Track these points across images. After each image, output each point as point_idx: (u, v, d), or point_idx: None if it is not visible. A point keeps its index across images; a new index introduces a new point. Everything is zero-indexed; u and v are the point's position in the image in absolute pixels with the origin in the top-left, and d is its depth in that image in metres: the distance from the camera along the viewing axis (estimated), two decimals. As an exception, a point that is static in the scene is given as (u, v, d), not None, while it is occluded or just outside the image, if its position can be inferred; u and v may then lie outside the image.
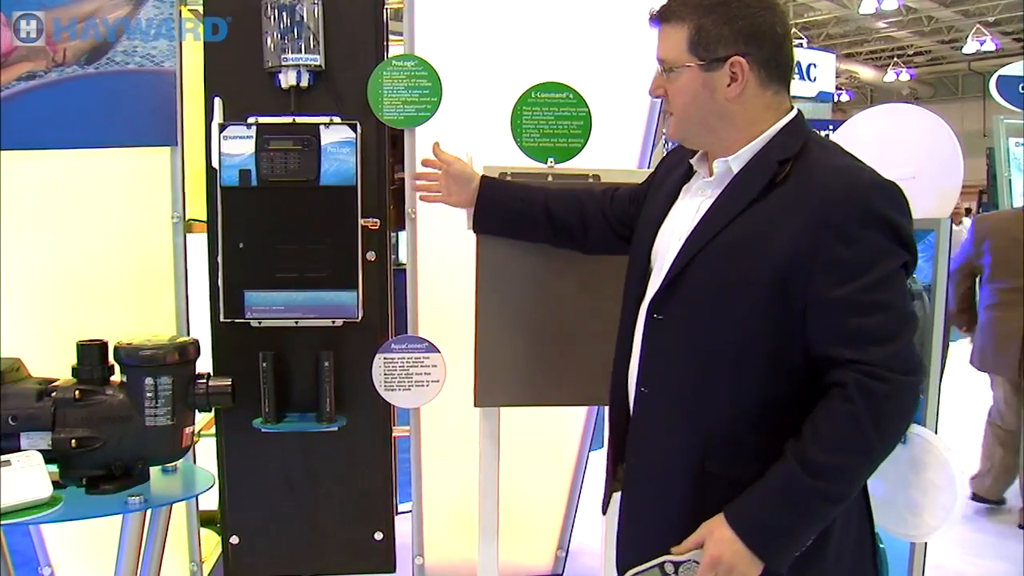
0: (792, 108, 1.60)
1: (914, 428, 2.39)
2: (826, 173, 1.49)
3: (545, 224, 2.03)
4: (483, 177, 2.09)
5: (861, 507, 1.61)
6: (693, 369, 1.54)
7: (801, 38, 19.33)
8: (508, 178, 2.26)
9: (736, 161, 1.56)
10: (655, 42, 1.61)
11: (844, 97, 23.96)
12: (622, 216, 1.94)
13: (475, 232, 2.14)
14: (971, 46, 19.95)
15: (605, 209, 1.99)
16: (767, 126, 1.56)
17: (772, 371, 1.49)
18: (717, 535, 1.44)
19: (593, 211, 2.00)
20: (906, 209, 1.49)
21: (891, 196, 1.48)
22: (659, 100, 2.72)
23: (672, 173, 1.75)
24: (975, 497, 4.42)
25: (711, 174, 1.62)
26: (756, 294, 1.47)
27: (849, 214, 1.44)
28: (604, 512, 1.88)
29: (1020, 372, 4.09)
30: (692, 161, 1.68)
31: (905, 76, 24.33)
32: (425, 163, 2.17)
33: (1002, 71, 5.36)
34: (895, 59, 24.32)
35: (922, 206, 2.48)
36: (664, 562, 1.44)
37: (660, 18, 1.58)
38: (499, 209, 2.08)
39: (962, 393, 4.13)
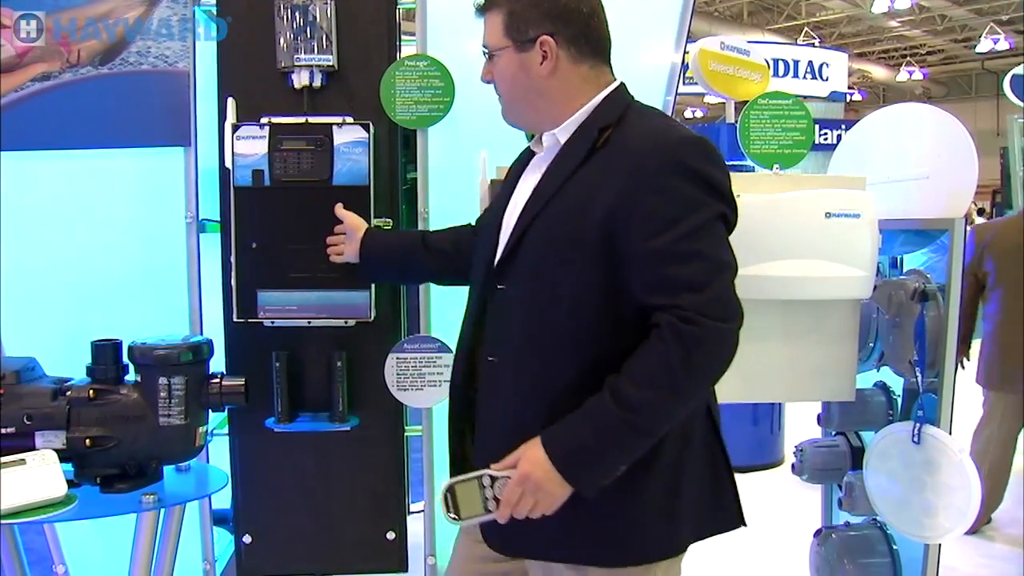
0: (613, 80, 1.71)
1: (928, 429, 2.39)
2: (640, 135, 1.60)
3: (422, 255, 2.12)
4: (367, 229, 2.22)
5: (709, 436, 1.68)
6: (534, 335, 1.61)
7: (813, 37, 19.27)
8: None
9: (562, 133, 1.67)
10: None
11: (856, 96, 23.87)
12: None
13: (361, 280, 2.30)
14: (984, 45, 19.83)
15: (476, 228, 2.04)
16: (587, 99, 1.67)
17: (608, 328, 1.57)
18: (530, 454, 1.52)
19: (466, 234, 2.06)
20: (718, 161, 1.59)
21: (700, 149, 1.57)
22: (672, 100, 2.75)
23: (513, 170, 1.85)
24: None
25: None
26: (584, 254, 1.56)
27: (660, 168, 1.53)
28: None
29: None
30: (530, 144, 1.79)
31: (918, 75, 24.23)
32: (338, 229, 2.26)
33: (1016, 70, 5.30)
34: (908, 58, 24.23)
35: (936, 206, 2.48)
36: (483, 475, 1.53)
37: (483, 8, 1.71)
38: (378, 250, 2.19)
39: (968, 396, 3.93)
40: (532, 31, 1.65)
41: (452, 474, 1.77)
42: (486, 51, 1.72)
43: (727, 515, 1.71)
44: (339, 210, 2.24)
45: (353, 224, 2.21)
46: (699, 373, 1.51)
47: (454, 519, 1.54)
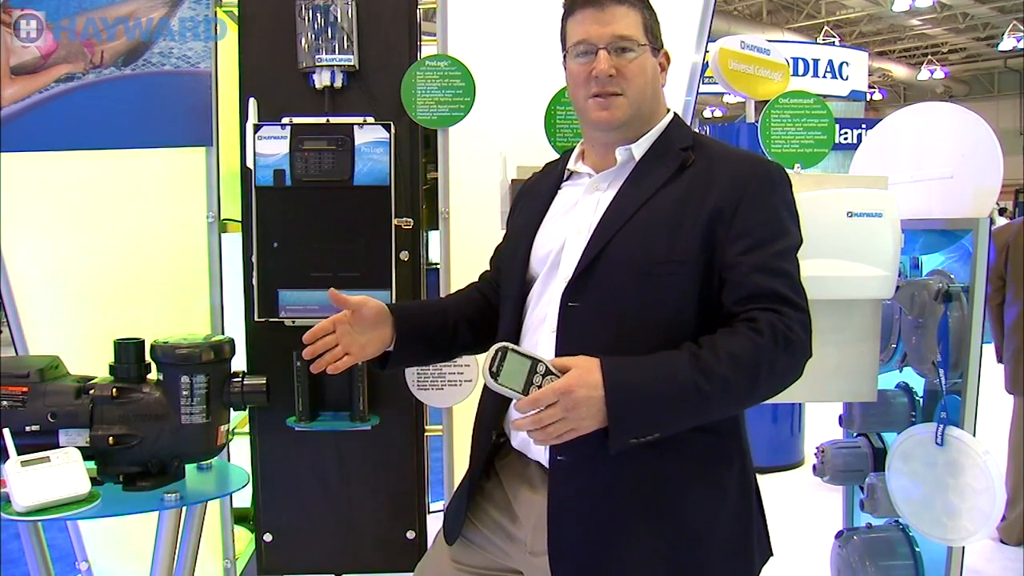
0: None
1: (952, 431, 2.37)
2: (727, 158, 1.63)
3: (466, 329, 1.83)
4: (390, 306, 1.74)
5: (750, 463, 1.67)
6: (620, 349, 1.52)
7: (833, 36, 19.16)
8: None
9: (638, 148, 1.66)
10: (601, 21, 1.62)
11: (877, 96, 23.71)
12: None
13: (390, 370, 1.80)
14: (1007, 43, 19.60)
15: (496, 278, 1.89)
16: (660, 119, 1.69)
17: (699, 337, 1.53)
18: (584, 372, 1.42)
19: (489, 289, 1.89)
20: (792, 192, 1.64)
21: (787, 178, 1.63)
22: (692, 100, 2.74)
23: (537, 191, 1.80)
24: (1004, 542, 4.05)
25: (599, 169, 1.69)
26: (682, 268, 1.54)
27: (758, 190, 1.57)
28: (451, 542, 1.76)
29: None
30: (571, 166, 1.75)
31: (939, 74, 24.03)
32: (313, 334, 1.67)
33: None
34: (929, 57, 24.04)
35: (960, 206, 2.46)
36: (540, 362, 1.44)
37: None
38: (419, 333, 1.79)
39: (993, 397, 3.87)
40: (660, 40, 1.69)
41: (472, 475, 1.76)
42: (622, 43, 1.62)
43: (766, 544, 1.70)
44: (336, 296, 1.67)
45: (375, 308, 1.70)
46: (777, 375, 1.50)
47: (492, 377, 1.43)
